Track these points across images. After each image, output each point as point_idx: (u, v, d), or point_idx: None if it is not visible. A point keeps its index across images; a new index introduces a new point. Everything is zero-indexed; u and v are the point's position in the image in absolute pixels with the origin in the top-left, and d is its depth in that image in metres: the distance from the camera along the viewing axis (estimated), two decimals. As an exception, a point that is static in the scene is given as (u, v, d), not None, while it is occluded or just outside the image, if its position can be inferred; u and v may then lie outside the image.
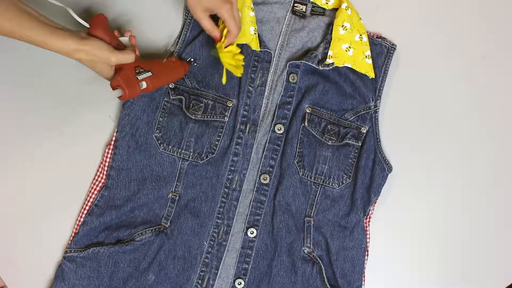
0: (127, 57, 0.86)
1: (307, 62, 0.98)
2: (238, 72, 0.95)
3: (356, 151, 0.99)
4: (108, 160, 0.97)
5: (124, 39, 0.92)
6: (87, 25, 0.87)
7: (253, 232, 0.96)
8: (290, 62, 0.98)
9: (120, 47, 0.88)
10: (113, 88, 0.88)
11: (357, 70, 0.99)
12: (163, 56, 1.00)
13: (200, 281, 0.95)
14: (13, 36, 0.79)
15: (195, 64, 0.99)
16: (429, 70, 1.06)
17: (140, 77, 0.88)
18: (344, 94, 1.00)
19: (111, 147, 0.97)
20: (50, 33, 0.79)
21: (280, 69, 1.00)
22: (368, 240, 0.99)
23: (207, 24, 0.91)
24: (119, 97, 0.87)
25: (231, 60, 0.94)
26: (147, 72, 0.89)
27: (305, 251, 0.97)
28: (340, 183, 0.98)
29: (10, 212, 0.97)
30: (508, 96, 1.06)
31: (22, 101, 0.99)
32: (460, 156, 1.04)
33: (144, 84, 0.89)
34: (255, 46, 0.98)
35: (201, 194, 0.97)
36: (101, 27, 0.86)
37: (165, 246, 0.95)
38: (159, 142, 0.97)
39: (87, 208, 0.96)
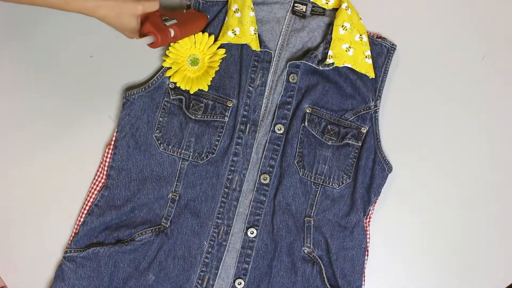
0: (153, 4, 0.85)
1: (307, 62, 0.98)
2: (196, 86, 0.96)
3: (356, 151, 0.99)
4: (108, 160, 0.97)
5: None
6: None
7: (253, 232, 0.96)
8: (290, 62, 0.98)
9: None
10: (143, 35, 0.85)
11: (357, 70, 0.99)
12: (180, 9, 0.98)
13: (200, 281, 0.95)
14: (32, 3, 0.77)
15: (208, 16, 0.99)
16: (429, 70, 1.06)
17: (168, 24, 0.87)
18: (344, 94, 1.00)
19: (111, 147, 0.97)
20: None
21: (280, 69, 1.00)
22: (368, 240, 0.99)
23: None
24: (150, 44, 0.85)
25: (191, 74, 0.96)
26: (172, 19, 0.88)
27: (305, 251, 0.97)
28: (340, 183, 0.98)
29: (10, 212, 0.97)
30: (508, 96, 1.06)
31: (22, 101, 0.99)
32: (460, 156, 1.04)
33: (172, 32, 0.88)
34: (255, 46, 0.98)
35: (201, 194, 0.97)
36: None
37: (165, 246, 0.95)
38: (159, 142, 0.97)
39: (87, 208, 0.96)
